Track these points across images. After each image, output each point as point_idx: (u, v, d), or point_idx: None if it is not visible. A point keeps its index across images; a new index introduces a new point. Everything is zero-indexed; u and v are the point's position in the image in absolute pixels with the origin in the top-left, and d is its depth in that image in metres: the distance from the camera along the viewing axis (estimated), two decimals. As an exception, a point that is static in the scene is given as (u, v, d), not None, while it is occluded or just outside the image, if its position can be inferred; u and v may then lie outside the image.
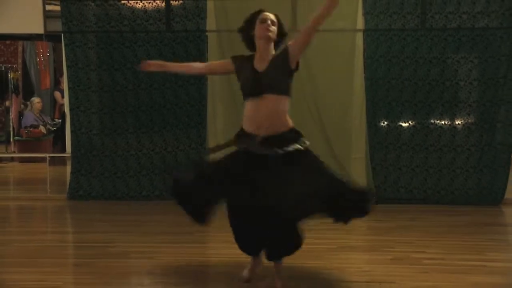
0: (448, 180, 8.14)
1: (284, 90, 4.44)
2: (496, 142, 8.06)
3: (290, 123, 4.47)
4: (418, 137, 8.18)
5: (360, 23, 8.16)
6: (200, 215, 4.55)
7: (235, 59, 4.65)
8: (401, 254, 5.75)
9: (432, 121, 8.20)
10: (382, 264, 5.44)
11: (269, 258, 4.63)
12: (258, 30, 4.46)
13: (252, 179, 4.29)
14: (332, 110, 8.26)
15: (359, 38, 8.17)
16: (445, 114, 8.18)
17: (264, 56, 4.48)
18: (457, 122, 8.19)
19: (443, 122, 8.20)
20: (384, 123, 8.27)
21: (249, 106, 4.43)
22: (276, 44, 4.56)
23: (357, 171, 8.21)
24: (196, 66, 5.06)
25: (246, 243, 4.68)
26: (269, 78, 4.39)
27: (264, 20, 4.44)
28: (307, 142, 4.46)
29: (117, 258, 5.65)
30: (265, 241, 4.51)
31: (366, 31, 8.12)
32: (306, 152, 4.44)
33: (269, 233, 4.37)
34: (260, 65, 4.48)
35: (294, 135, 4.45)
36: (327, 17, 4.41)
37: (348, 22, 8.20)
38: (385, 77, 8.14)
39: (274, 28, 4.46)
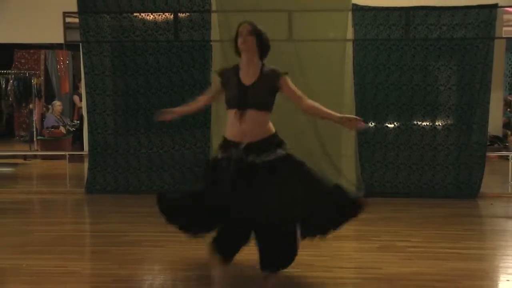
0: (429, 175, 8.15)
1: (267, 107, 4.20)
2: (472, 142, 8.07)
3: (272, 130, 4.23)
4: (402, 137, 8.20)
5: (350, 34, 8.16)
6: (191, 228, 4.37)
7: (220, 73, 4.39)
8: (387, 242, 5.78)
9: (415, 122, 8.22)
10: (369, 252, 5.46)
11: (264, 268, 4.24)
12: (239, 43, 4.22)
13: (240, 191, 4.03)
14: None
15: (349, 47, 8.17)
16: (427, 116, 8.19)
17: (249, 69, 4.24)
18: (437, 123, 8.21)
19: (425, 123, 8.22)
20: (371, 124, 8.28)
21: (233, 116, 4.15)
22: (263, 55, 4.28)
23: (347, 168, 8.23)
24: (201, 99, 4.66)
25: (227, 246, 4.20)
26: (256, 94, 4.16)
27: (240, 34, 4.20)
28: (286, 150, 4.20)
29: (130, 246, 5.67)
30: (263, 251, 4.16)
31: (356, 41, 8.13)
32: (289, 157, 4.19)
33: (264, 242, 4.12)
34: (246, 78, 4.22)
35: (276, 140, 4.21)
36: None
37: (339, 33, 8.20)
38: (373, 82, 8.15)
39: (249, 39, 4.18)
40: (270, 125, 4.25)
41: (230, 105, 4.21)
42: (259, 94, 4.17)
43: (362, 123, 4.25)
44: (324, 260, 5.13)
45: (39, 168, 11.77)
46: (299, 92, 4.34)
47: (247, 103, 4.13)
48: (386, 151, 8.23)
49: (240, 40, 4.20)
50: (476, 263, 5.15)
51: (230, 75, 4.29)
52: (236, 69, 4.29)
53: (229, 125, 4.20)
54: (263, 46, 4.25)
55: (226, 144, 4.19)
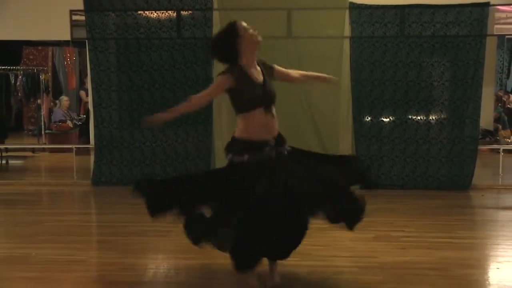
0: (423, 168, 8.16)
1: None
2: (464, 135, 8.07)
3: None
4: (397, 131, 8.20)
5: (347, 31, 8.15)
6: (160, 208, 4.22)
7: (233, 74, 4.03)
8: (382, 232, 5.78)
9: (409, 117, 8.21)
10: (365, 242, 5.47)
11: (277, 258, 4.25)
12: (249, 38, 4.03)
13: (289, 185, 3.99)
14: (322, 108, 8.26)
15: (346, 44, 8.16)
16: (421, 110, 8.19)
17: (253, 67, 4.09)
18: (431, 118, 8.21)
19: (419, 118, 8.22)
20: (367, 118, 8.28)
21: (261, 115, 3.99)
22: None
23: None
24: (197, 102, 4.22)
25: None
26: (271, 89, 4.11)
27: (249, 28, 4.06)
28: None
29: (135, 236, 5.68)
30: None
31: (352, 38, 8.12)
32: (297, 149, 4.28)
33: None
34: (255, 76, 4.07)
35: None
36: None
37: (337, 30, 8.19)
38: (369, 78, 8.15)
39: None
40: None
41: (254, 105, 4.00)
42: (273, 89, 4.15)
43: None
44: (321, 249, 5.14)
45: (47, 161, 11.78)
46: (287, 70, 4.43)
47: (269, 100, 4.08)
48: (381, 145, 8.23)
49: (253, 35, 4.04)
50: (467, 252, 5.16)
51: (241, 75, 4.03)
52: (240, 69, 4.05)
53: (256, 126, 4.01)
54: None
55: (255, 146, 4.00)
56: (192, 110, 4.33)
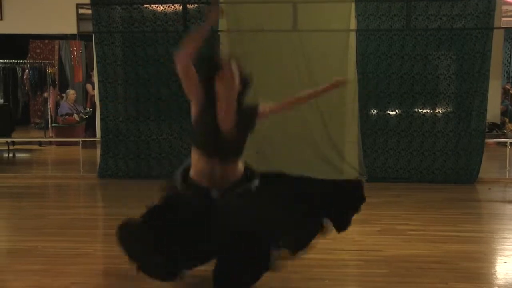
0: (429, 161, 8.13)
1: None
2: (471, 129, 8.04)
3: None
4: (403, 124, 8.17)
5: (352, 24, 8.11)
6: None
7: None
8: (387, 226, 5.77)
9: (416, 110, 8.19)
10: (371, 235, 5.46)
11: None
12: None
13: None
14: (329, 101, 8.20)
15: (352, 37, 8.13)
16: (427, 104, 8.17)
17: None
18: (437, 111, 8.18)
19: (425, 111, 8.19)
20: (374, 111, 8.26)
21: None
22: None
23: (350, 154, 8.24)
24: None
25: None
26: None
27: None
28: None
29: (141, 229, 5.67)
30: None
31: (358, 31, 8.08)
32: None
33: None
34: None
35: None
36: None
37: (342, 23, 8.16)
38: (375, 71, 8.12)
39: None
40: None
41: None
42: None
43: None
44: (327, 243, 5.08)
45: (54, 154, 11.80)
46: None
47: None
48: (387, 138, 8.21)
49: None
50: (473, 246, 5.14)
51: None
52: None
53: None
54: None
55: None
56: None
